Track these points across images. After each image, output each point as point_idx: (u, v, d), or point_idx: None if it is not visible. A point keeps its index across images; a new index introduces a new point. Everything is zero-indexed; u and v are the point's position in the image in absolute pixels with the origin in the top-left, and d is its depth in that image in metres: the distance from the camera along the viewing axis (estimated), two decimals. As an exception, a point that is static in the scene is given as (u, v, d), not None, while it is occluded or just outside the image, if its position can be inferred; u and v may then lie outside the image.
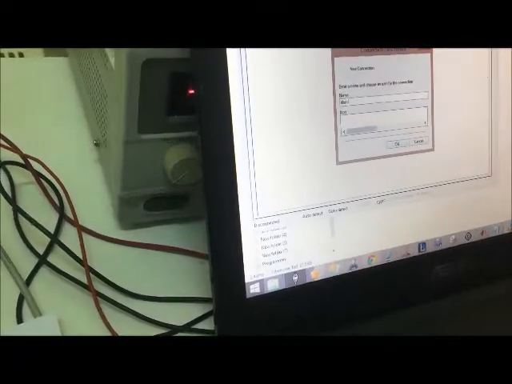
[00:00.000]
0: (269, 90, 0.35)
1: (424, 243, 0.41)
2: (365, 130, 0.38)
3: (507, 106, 0.43)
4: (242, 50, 0.34)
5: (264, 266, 0.36)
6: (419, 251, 0.41)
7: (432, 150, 0.40)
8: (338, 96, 0.36)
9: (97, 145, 0.49)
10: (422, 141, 0.40)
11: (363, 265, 0.39)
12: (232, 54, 0.33)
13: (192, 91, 0.36)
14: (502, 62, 0.42)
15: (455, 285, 0.42)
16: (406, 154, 0.39)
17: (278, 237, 0.36)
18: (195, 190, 0.43)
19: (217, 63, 0.33)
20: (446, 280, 0.42)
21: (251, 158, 0.35)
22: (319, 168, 0.37)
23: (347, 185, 0.38)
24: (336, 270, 0.38)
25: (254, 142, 0.35)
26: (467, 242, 0.43)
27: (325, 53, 0.36)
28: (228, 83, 0.33)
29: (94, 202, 0.47)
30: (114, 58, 0.38)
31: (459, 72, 0.41)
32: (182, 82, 0.37)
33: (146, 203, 0.44)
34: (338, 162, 0.37)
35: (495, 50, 0.42)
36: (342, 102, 0.37)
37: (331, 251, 0.38)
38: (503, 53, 0.42)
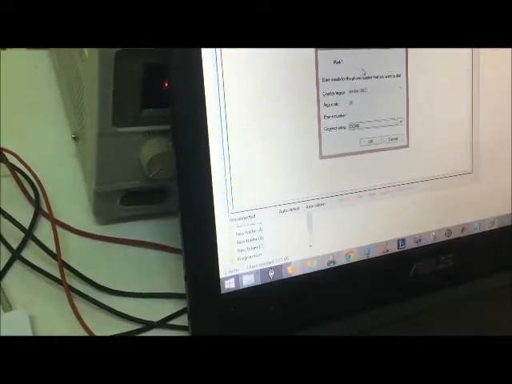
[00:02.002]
0: (245, 81, 0.34)
1: (403, 239, 0.41)
2: (345, 126, 0.37)
3: (489, 100, 0.42)
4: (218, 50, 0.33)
5: (239, 261, 0.35)
6: (398, 248, 0.41)
7: (407, 146, 0.40)
8: (321, 89, 0.36)
9: (75, 139, 0.48)
10: (396, 138, 0.39)
11: (341, 261, 0.39)
12: (207, 52, 0.33)
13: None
14: (483, 54, 0.42)
15: (435, 282, 0.42)
16: (382, 150, 0.39)
17: (253, 232, 0.36)
18: (172, 184, 0.43)
19: (191, 55, 0.32)
20: (425, 277, 0.42)
21: (226, 152, 0.34)
22: (299, 162, 0.36)
23: (326, 180, 0.37)
24: (313, 266, 0.38)
25: (230, 136, 0.34)
26: (447, 238, 0.43)
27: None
28: (202, 75, 0.33)
29: (71, 197, 0.46)
30: (87, 49, 0.38)
31: (437, 66, 0.40)
32: (157, 73, 0.36)
33: (122, 198, 0.43)
34: (322, 157, 0.37)
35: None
36: (325, 95, 0.36)
37: (308, 247, 0.38)
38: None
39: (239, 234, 0.35)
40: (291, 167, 0.36)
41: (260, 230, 0.36)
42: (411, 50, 0.39)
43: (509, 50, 0.43)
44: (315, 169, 0.37)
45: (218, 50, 0.33)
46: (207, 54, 0.33)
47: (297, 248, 0.37)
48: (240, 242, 0.35)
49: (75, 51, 0.44)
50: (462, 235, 0.43)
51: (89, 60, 0.37)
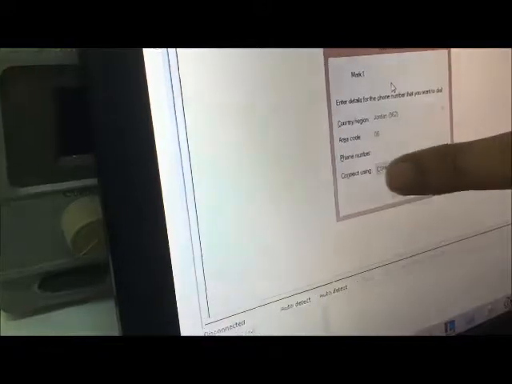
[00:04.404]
0: (220, 107, 0.21)
1: (453, 322, 0.29)
2: (371, 169, 0.25)
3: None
4: (172, 52, 0.20)
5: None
6: (446, 332, 0.29)
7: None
8: (334, 116, 0.23)
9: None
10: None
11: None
12: (152, 56, 0.20)
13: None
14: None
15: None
16: (422, 199, 0.27)
17: (243, 346, 0.23)
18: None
19: (126, 69, 0.19)
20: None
21: (193, 217, 0.21)
22: (309, 232, 0.23)
23: (346, 252, 0.25)
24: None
25: (197, 191, 0.21)
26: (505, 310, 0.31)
27: (314, 51, 0.23)
28: (148, 100, 0.20)
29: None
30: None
31: (484, 75, 0.28)
32: (75, 101, 0.23)
33: (41, 283, 0.29)
34: (339, 218, 0.24)
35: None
36: (340, 125, 0.23)
37: (324, 352, 0.25)
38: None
39: (221, 354, 0.22)
40: (296, 239, 0.23)
41: (253, 341, 0.23)
42: (455, 53, 0.27)
43: None
44: (330, 237, 0.24)
45: (172, 60, 0.20)
46: (153, 65, 0.20)
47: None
48: (224, 365, 0.22)
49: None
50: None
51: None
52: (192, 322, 0.21)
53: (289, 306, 0.23)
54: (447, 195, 0.18)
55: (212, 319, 0.22)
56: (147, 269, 0.21)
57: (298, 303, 0.24)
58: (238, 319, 0.22)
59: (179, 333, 0.21)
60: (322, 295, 0.24)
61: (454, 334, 0.29)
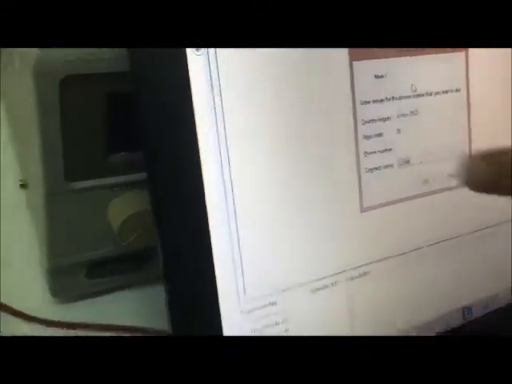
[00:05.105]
0: (255, 106, 0.23)
1: (470, 308, 0.31)
2: (393, 163, 0.27)
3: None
4: (212, 54, 0.22)
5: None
6: (464, 318, 0.30)
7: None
8: (359, 115, 0.25)
9: (23, 186, 0.37)
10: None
11: (393, 347, 0.28)
12: (195, 59, 0.22)
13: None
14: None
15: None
16: (439, 191, 0.29)
17: (277, 325, 0.25)
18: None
19: (172, 74, 0.22)
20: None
21: (232, 210, 0.23)
22: (335, 221, 0.26)
23: (370, 240, 0.27)
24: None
25: (235, 187, 0.23)
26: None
27: (340, 55, 0.25)
28: (191, 102, 0.22)
29: (18, 269, 0.35)
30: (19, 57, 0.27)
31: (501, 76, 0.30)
32: (125, 105, 0.25)
33: (87, 270, 0.32)
34: (363, 209, 0.26)
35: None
36: (364, 123, 0.26)
37: (349, 332, 0.27)
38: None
39: (255, 331, 0.24)
40: (324, 229, 0.25)
41: (284, 320, 0.25)
42: (472, 53, 0.28)
43: None
44: (355, 226, 0.26)
45: (212, 64, 0.22)
46: (196, 68, 0.22)
47: (334, 333, 0.27)
48: (258, 341, 0.24)
49: (15, 74, 0.32)
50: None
51: (27, 90, 0.26)
52: (230, 301, 0.24)
53: (317, 289, 0.26)
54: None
55: (248, 298, 0.24)
56: (191, 254, 0.23)
57: (326, 286, 0.26)
58: (270, 299, 0.25)
59: (219, 312, 0.24)
60: (347, 279, 0.26)
61: (471, 319, 0.30)
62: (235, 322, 0.24)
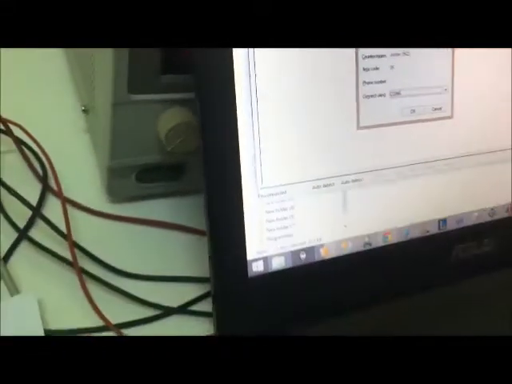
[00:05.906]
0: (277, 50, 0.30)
1: (444, 220, 0.37)
2: (385, 93, 0.34)
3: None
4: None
5: (268, 241, 0.32)
6: (439, 229, 0.37)
7: (451, 117, 0.36)
8: (360, 51, 0.32)
9: (85, 111, 0.45)
10: (440, 108, 0.36)
11: (378, 243, 0.35)
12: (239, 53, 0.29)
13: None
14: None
15: (476, 267, 0.39)
16: (424, 121, 0.35)
17: (284, 210, 0.32)
18: (192, 159, 0.39)
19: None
20: (467, 261, 0.38)
21: (256, 123, 0.31)
22: (335, 133, 0.33)
23: (363, 153, 0.34)
24: (348, 248, 0.34)
25: (259, 107, 0.30)
26: (491, 219, 0.39)
27: None
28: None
29: (81, 173, 0.43)
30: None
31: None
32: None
33: (137, 174, 0.40)
34: (359, 127, 0.33)
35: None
36: (364, 58, 0.32)
37: (343, 227, 0.34)
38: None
39: (269, 212, 0.32)
40: (326, 139, 0.33)
41: (291, 207, 0.32)
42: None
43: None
44: (352, 141, 0.33)
45: (250, 58, 0.30)
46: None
47: (331, 228, 0.34)
48: (270, 221, 0.32)
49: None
50: (506, 215, 0.39)
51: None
52: (252, 188, 0.31)
53: (318, 187, 0.33)
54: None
55: (264, 185, 0.31)
56: (224, 156, 0.30)
57: (325, 185, 0.33)
58: (281, 189, 0.32)
59: (242, 196, 0.31)
60: (342, 182, 0.34)
61: (445, 230, 0.37)
62: (254, 203, 0.31)
